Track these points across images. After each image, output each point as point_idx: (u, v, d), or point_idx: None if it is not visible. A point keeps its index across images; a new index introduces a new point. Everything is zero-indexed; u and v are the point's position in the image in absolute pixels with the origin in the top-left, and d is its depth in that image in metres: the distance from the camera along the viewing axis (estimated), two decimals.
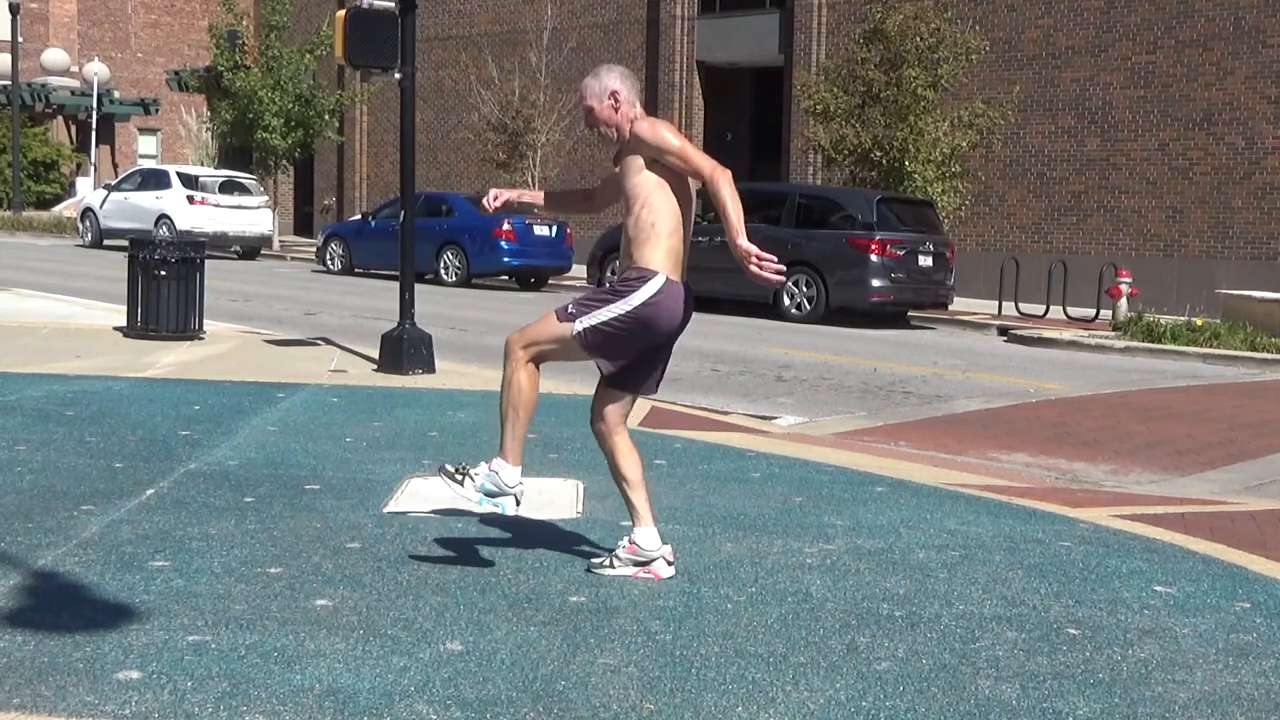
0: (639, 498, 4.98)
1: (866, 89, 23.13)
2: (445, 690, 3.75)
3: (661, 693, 3.81)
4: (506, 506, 4.86)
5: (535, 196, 5.53)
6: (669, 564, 4.98)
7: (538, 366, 4.86)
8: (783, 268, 4.71)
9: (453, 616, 4.42)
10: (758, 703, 3.77)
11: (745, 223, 4.74)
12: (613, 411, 5.00)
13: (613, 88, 4.90)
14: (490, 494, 4.83)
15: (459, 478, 4.84)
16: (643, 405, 9.57)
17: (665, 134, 4.79)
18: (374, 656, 3.99)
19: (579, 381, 10.88)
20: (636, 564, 4.96)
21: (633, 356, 4.87)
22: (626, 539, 5.02)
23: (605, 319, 4.75)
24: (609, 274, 22.46)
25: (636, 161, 4.82)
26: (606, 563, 5.02)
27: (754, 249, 4.63)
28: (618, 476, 5.00)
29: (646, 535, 4.96)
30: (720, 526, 5.93)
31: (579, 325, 4.77)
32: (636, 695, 3.78)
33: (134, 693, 3.62)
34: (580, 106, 5.02)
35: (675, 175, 4.81)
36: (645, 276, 4.75)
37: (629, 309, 4.73)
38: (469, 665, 3.96)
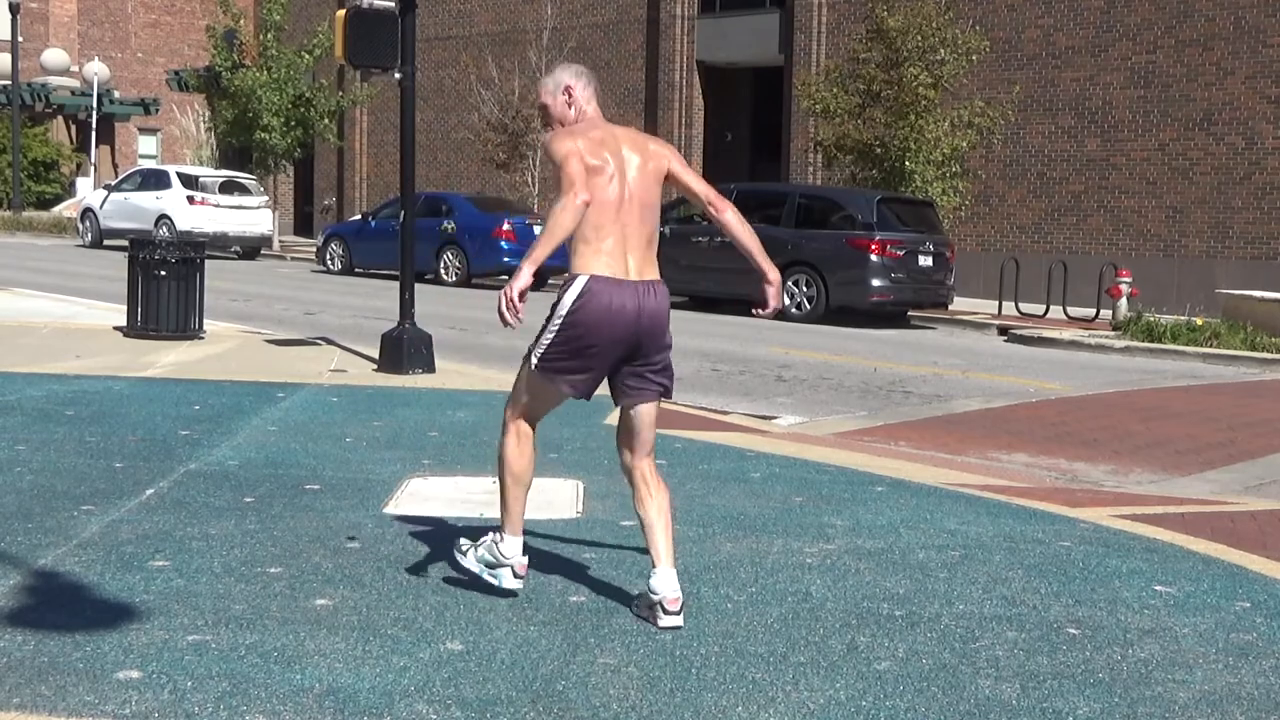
0: (653, 536, 4.61)
1: (867, 88, 23.13)
2: (445, 690, 3.75)
3: (661, 692, 3.81)
4: (503, 578, 4.68)
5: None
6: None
7: (533, 426, 4.70)
8: (513, 323, 4.31)
9: (453, 616, 4.42)
10: (758, 703, 3.77)
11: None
12: (625, 439, 4.71)
13: (566, 83, 4.67)
14: (489, 564, 4.70)
15: (465, 548, 4.79)
16: None
17: (554, 144, 4.49)
18: (374, 656, 3.99)
19: None
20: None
21: (595, 366, 4.55)
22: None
23: (547, 340, 4.51)
24: None
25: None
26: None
27: (515, 281, 4.31)
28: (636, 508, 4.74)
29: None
30: (720, 526, 5.93)
31: (533, 359, 4.57)
32: (636, 695, 3.78)
33: (134, 692, 3.62)
34: (537, 105, 4.80)
35: (598, 174, 4.49)
36: (568, 283, 4.50)
37: (559, 319, 4.48)
38: (469, 665, 3.96)
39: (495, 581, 4.69)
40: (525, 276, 4.36)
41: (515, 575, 4.70)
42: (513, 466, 4.67)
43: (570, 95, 4.67)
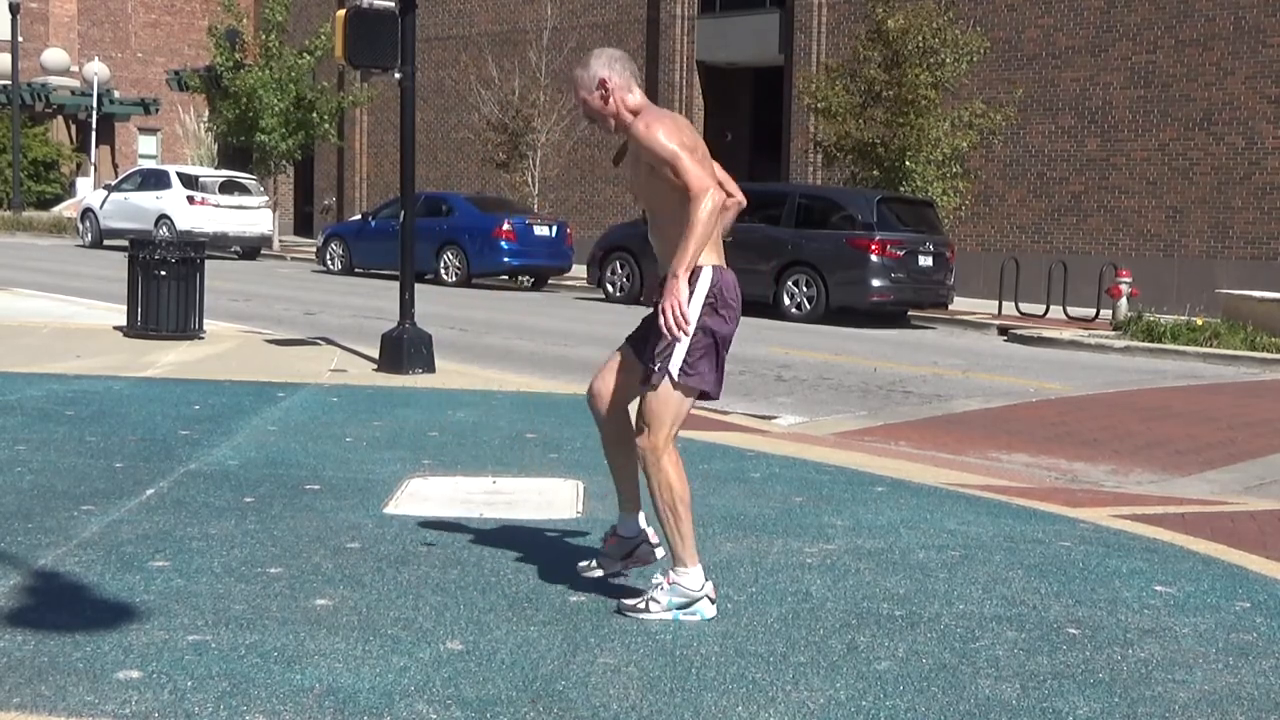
0: (638, 480, 4.64)
1: (868, 88, 23.14)
2: (445, 690, 3.75)
3: (661, 692, 3.81)
4: (704, 611, 4.48)
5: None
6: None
7: (675, 449, 4.46)
8: (682, 336, 4.29)
9: (453, 616, 4.42)
10: (758, 703, 3.76)
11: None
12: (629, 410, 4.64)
13: (600, 75, 4.45)
14: (682, 606, 4.47)
15: (642, 607, 4.48)
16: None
17: (659, 138, 4.32)
18: (374, 656, 3.99)
19: (579, 381, 10.87)
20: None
21: (723, 354, 4.50)
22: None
23: (685, 344, 4.37)
24: (608, 274, 22.35)
25: (647, 163, 4.45)
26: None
27: (680, 295, 4.23)
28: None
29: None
30: (720, 526, 5.93)
31: (671, 374, 4.37)
32: (636, 695, 3.78)
33: (134, 692, 3.62)
34: (577, 101, 4.65)
35: (706, 165, 4.39)
36: (694, 275, 4.37)
37: (697, 311, 4.37)
38: (469, 665, 3.96)
39: (696, 618, 4.49)
40: (685, 289, 4.27)
41: (711, 601, 4.52)
42: (682, 493, 4.43)
43: (606, 88, 4.47)
